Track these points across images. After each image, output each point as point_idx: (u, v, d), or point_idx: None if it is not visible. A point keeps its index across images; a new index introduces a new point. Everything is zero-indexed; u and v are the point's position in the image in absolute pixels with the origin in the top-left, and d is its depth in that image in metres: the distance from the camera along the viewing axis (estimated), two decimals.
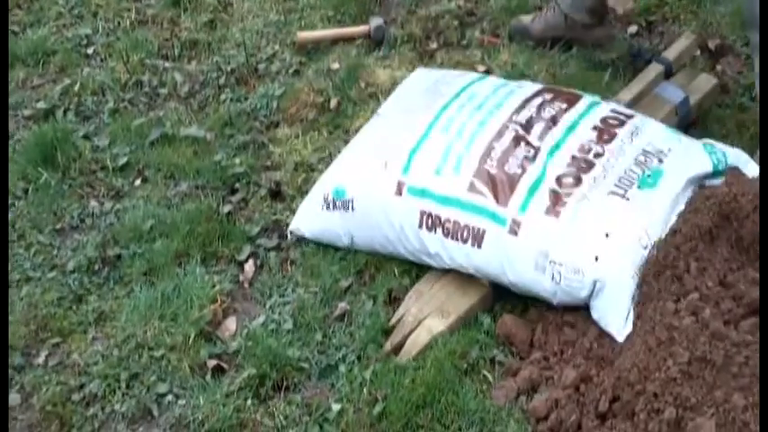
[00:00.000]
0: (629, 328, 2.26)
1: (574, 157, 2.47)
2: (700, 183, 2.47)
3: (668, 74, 3.07)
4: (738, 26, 3.33)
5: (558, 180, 2.43)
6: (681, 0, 3.56)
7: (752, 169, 2.54)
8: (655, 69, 3.07)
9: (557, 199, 2.39)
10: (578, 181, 2.42)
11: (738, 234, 2.27)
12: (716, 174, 2.49)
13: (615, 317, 2.27)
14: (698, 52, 3.28)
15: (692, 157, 2.49)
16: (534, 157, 2.48)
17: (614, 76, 3.22)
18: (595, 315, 2.31)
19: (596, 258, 2.30)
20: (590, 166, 2.43)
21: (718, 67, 3.22)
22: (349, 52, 3.54)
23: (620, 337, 2.25)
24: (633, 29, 3.50)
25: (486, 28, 3.61)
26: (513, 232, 2.38)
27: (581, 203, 2.38)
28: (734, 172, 2.49)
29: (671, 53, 3.14)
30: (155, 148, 3.18)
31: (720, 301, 2.18)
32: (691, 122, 2.88)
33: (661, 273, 2.26)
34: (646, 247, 2.32)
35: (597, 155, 2.46)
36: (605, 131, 2.54)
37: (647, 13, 3.55)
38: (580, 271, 2.30)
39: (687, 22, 3.46)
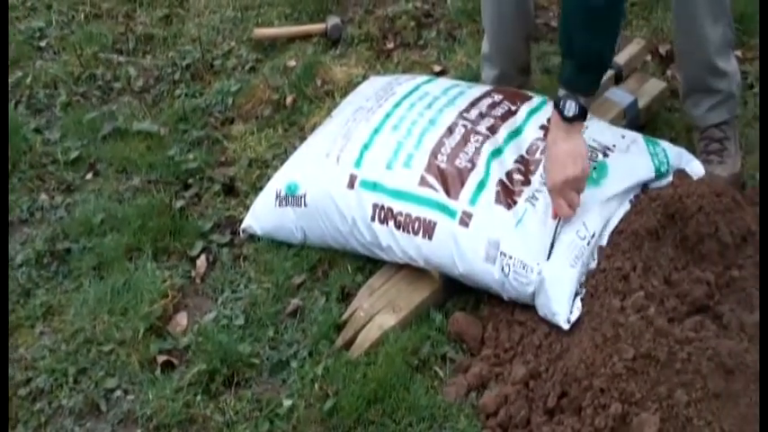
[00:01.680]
0: (574, 315, 2.28)
1: (522, 157, 2.51)
2: (644, 185, 2.50)
3: (619, 78, 3.11)
4: None
5: (509, 175, 2.46)
6: (633, 6, 3.61)
7: (696, 168, 2.59)
8: (605, 74, 3.10)
9: (507, 192, 2.42)
10: (527, 178, 2.45)
11: (683, 234, 2.31)
12: (659, 176, 2.53)
13: (559, 306, 2.29)
14: (649, 57, 3.32)
15: (634, 160, 2.53)
16: (482, 151, 2.51)
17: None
18: (541, 311, 2.34)
19: (548, 256, 2.34)
20: (537, 164, 2.45)
21: (669, 72, 3.26)
22: (305, 50, 3.55)
23: (566, 325, 2.27)
24: None
25: (442, 29, 3.64)
26: (464, 224, 2.40)
27: (529, 201, 2.40)
28: (680, 174, 2.53)
29: (621, 58, 3.17)
30: (107, 143, 3.17)
31: (665, 300, 2.21)
32: (640, 126, 2.92)
33: (607, 272, 2.29)
34: (584, 239, 2.35)
35: (544, 152, 2.50)
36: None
37: None
38: (527, 267, 2.33)
39: (639, 28, 3.50)
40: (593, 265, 2.35)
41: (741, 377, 2.03)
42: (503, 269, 2.35)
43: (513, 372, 2.26)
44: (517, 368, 2.26)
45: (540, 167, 2.45)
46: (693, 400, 2.01)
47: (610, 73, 3.10)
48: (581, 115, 2.28)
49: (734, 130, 2.84)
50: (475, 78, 3.20)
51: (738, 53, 3.26)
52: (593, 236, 2.37)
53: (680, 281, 2.26)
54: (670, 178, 2.52)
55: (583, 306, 2.30)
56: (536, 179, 2.45)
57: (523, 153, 2.52)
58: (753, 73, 3.19)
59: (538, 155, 2.49)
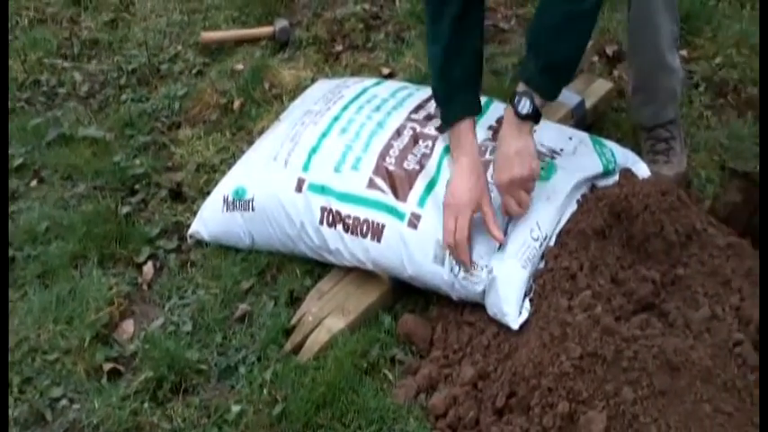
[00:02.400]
0: (523, 316, 2.29)
1: None
2: (591, 183, 2.52)
3: None
4: None
5: None
6: None
7: (641, 169, 2.61)
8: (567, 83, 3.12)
9: None
10: None
11: (629, 233, 2.32)
12: (606, 174, 2.54)
13: (509, 306, 2.29)
14: (596, 58, 3.35)
15: (582, 158, 2.55)
16: (431, 151, 2.51)
17: (515, 81, 3.25)
18: (490, 310, 2.34)
19: (498, 248, 2.35)
20: (486, 164, 2.46)
21: (615, 72, 3.29)
22: (253, 53, 3.54)
23: (515, 326, 2.28)
24: None
25: (390, 31, 3.64)
26: (413, 225, 2.40)
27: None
28: (626, 173, 2.55)
29: None
30: (52, 149, 3.13)
31: (612, 298, 2.22)
32: (587, 126, 2.93)
33: (555, 271, 2.30)
34: (537, 239, 2.36)
35: (494, 150, 2.51)
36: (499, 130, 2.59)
37: None
38: (478, 266, 2.33)
39: None
40: (542, 265, 2.36)
41: (686, 374, 2.04)
42: (452, 269, 2.35)
43: (461, 373, 2.27)
44: (466, 369, 2.26)
45: (491, 167, 2.45)
46: (640, 397, 2.02)
47: None
48: (534, 116, 2.30)
49: (679, 129, 2.87)
50: (424, 80, 3.19)
51: (684, 53, 3.30)
52: (546, 237, 2.39)
53: (626, 279, 2.27)
54: (616, 177, 2.54)
55: (531, 306, 2.30)
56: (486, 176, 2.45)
57: None
58: (699, 72, 3.23)
59: (487, 155, 2.50)
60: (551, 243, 2.39)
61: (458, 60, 2.39)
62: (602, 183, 2.52)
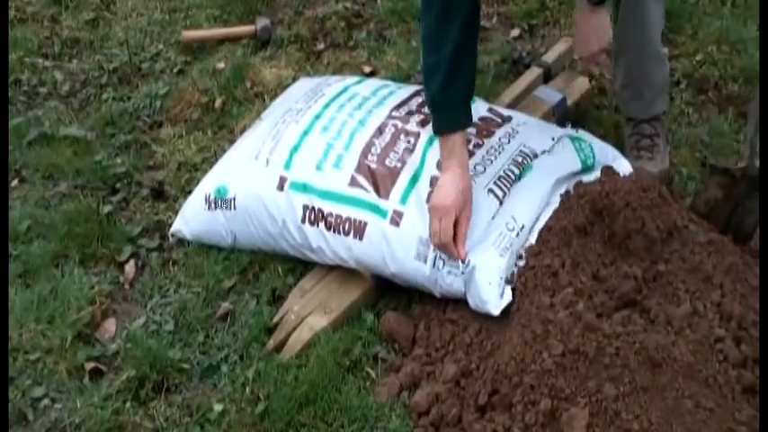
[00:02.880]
0: (505, 301, 2.31)
1: None
2: (572, 180, 2.53)
3: (547, 76, 3.15)
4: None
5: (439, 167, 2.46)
6: (561, 4, 3.65)
7: (622, 165, 2.63)
8: (534, 72, 3.14)
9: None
10: None
11: (611, 230, 2.32)
12: (585, 170, 2.56)
13: (488, 293, 2.31)
14: (577, 56, 3.35)
15: (560, 156, 2.57)
16: (414, 147, 2.52)
17: (496, 79, 3.28)
18: (472, 302, 2.35)
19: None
20: (469, 155, 2.47)
21: (596, 70, 3.29)
22: (235, 52, 3.53)
23: (496, 312, 2.30)
24: (516, 32, 3.57)
25: (372, 30, 3.64)
26: (395, 223, 2.41)
27: None
28: (607, 170, 2.55)
29: (550, 56, 3.22)
30: (33, 148, 3.12)
31: (594, 295, 2.23)
32: (568, 123, 2.94)
33: (537, 269, 2.31)
34: (513, 230, 2.38)
35: (477, 145, 2.52)
36: (484, 128, 2.61)
37: (528, 17, 3.62)
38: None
39: (567, 26, 3.54)
40: (522, 263, 2.37)
41: (668, 370, 2.05)
42: (435, 263, 2.36)
43: (444, 370, 2.27)
44: (448, 367, 2.26)
45: (474, 158, 2.47)
46: (621, 393, 2.02)
47: (538, 71, 3.14)
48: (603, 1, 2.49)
49: (662, 126, 2.89)
50: (405, 78, 3.21)
51: (665, 50, 3.31)
52: (522, 228, 2.40)
53: (608, 276, 2.28)
54: (597, 173, 2.55)
55: (514, 299, 2.31)
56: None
57: None
58: (680, 69, 3.24)
59: (470, 146, 2.51)
60: (532, 239, 2.40)
61: (461, 72, 2.38)
62: (584, 178, 2.54)
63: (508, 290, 2.33)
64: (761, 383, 2.04)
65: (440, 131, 2.40)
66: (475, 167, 2.46)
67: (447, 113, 2.40)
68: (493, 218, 2.42)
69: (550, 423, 2.04)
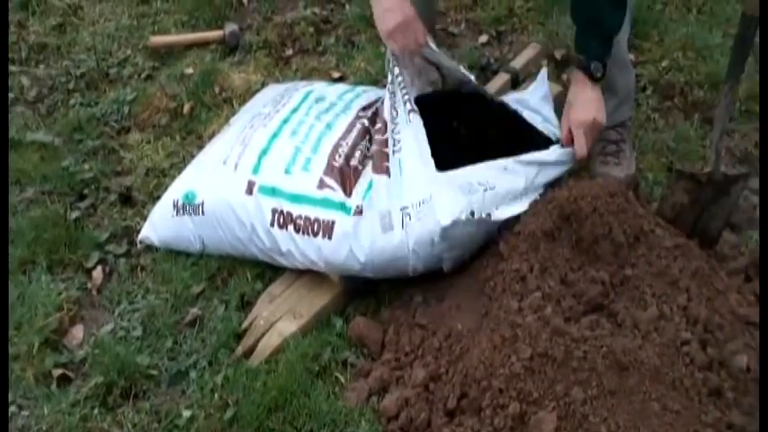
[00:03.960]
0: (460, 216, 2.34)
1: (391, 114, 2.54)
2: (544, 168, 2.58)
3: (515, 82, 3.16)
4: None
5: (383, 143, 2.50)
6: (529, 11, 3.67)
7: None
8: (502, 78, 3.16)
9: (382, 157, 2.46)
10: (383, 122, 2.52)
11: (578, 235, 2.34)
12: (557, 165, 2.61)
13: (442, 214, 2.33)
14: (544, 62, 3.37)
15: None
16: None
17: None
18: (429, 234, 2.35)
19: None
20: (382, 103, 2.54)
21: (564, 76, 3.32)
22: (203, 57, 3.52)
23: (447, 220, 2.32)
24: (484, 39, 3.59)
25: (341, 35, 3.64)
26: (359, 213, 2.43)
27: (396, 151, 2.45)
28: (574, 175, 2.58)
29: (518, 62, 3.24)
30: None
31: (562, 299, 2.24)
32: None
33: (505, 273, 2.32)
34: (481, 185, 2.41)
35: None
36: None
37: (496, 23, 3.64)
38: (424, 201, 2.36)
39: (535, 33, 3.56)
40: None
41: (635, 373, 2.06)
42: (402, 224, 2.37)
43: (413, 375, 2.27)
44: (417, 371, 2.27)
45: (386, 101, 2.53)
46: (589, 397, 2.04)
47: (506, 77, 3.16)
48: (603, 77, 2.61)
49: (628, 132, 2.92)
50: (374, 84, 3.21)
51: (631, 56, 3.34)
52: (493, 188, 2.43)
53: (576, 281, 2.29)
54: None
55: (483, 302, 2.33)
56: (387, 113, 2.51)
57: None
58: (646, 76, 3.27)
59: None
60: (499, 215, 2.42)
61: None
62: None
63: (464, 214, 2.35)
64: (761, 383, 2.06)
65: None
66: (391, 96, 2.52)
67: None
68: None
69: (519, 427, 2.04)
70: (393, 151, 2.45)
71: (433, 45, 2.62)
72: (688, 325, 2.18)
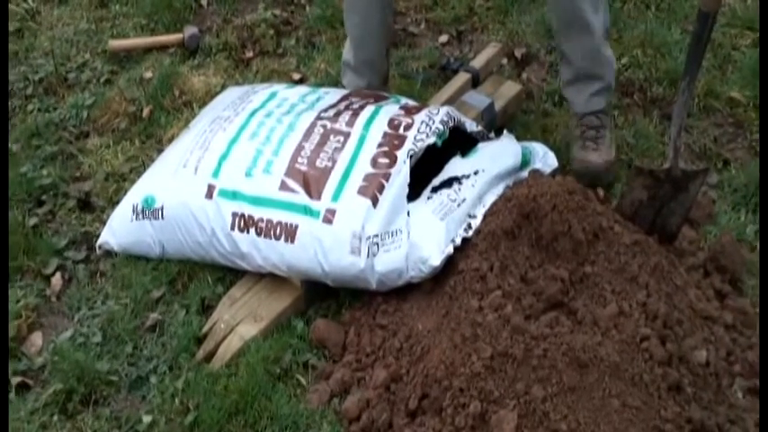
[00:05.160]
0: (447, 252, 2.37)
1: (386, 134, 2.54)
2: (513, 174, 2.61)
3: (476, 81, 3.17)
4: (543, 35, 3.46)
5: (374, 161, 2.48)
6: (489, 10, 3.68)
7: (550, 160, 2.71)
8: (462, 78, 3.16)
9: (371, 183, 2.44)
10: (392, 157, 2.48)
11: (538, 233, 2.34)
12: (524, 163, 2.64)
13: (429, 250, 2.36)
14: (505, 60, 3.38)
15: (504, 144, 2.65)
16: (344, 145, 2.53)
17: (425, 85, 3.30)
18: (414, 269, 2.37)
19: (408, 214, 2.41)
20: (402, 140, 2.50)
21: (524, 75, 3.33)
22: (162, 61, 3.50)
23: (437, 261, 2.36)
24: (444, 38, 3.59)
25: (301, 37, 3.63)
26: (328, 221, 2.40)
27: (391, 182, 2.44)
28: (534, 173, 2.59)
29: (478, 62, 3.24)
30: None
31: (522, 297, 2.25)
32: (497, 128, 2.96)
33: (465, 272, 2.32)
34: (455, 201, 2.45)
35: (407, 126, 2.55)
36: (412, 109, 2.67)
37: (456, 22, 3.64)
38: (396, 232, 2.38)
39: (495, 32, 3.57)
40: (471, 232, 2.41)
41: (594, 370, 2.08)
42: (368, 253, 2.36)
43: (374, 376, 2.27)
44: (378, 372, 2.27)
45: (406, 143, 2.49)
46: (549, 394, 2.05)
47: (466, 77, 3.16)
48: None
49: (609, 119, 2.93)
50: (334, 85, 3.20)
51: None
52: (464, 200, 2.44)
53: (535, 278, 2.30)
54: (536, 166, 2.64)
55: (443, 302, 2.33)
56: (401, 154, 2.48)
57: (386, 129, 2.56)
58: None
59: (401, 130, 2.54)
60: (478, 222, 2.43)
61: None
62: (520, 174, 2.62)
63: (450, 245, 2.37)
64: (761, 383, 2.07)
65: None
66: (408, 151, 2.50)
67: None
68: (434, 189, 2.47)
69: (480, 426, 2.05)
70: (388, 181, 2.45)
71: None
72: (647, 321, 2.19)
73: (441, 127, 2.57)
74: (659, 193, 2.47)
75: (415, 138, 2.53)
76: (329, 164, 2.49)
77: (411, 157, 2.48)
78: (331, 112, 2.66)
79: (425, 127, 2.56)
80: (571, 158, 2.87)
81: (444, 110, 2.64)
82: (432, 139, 2.53)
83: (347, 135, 2.56)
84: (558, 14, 2.78)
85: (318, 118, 2.63)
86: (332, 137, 2.56)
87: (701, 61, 2.37)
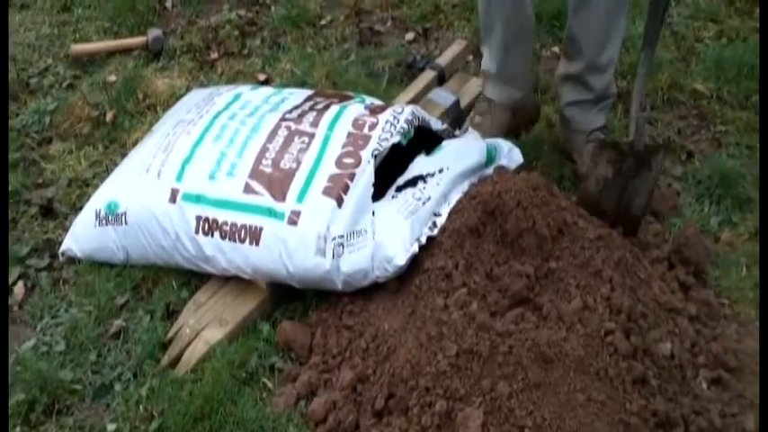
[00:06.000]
0: (412, 251, 2.36)
1: (350, 134, 2.52)
2: (478, 171, 2.60)
3: (441, 79, 3.17)
4: None
5: (339, 161, 2.46)
6: (455, 7, 3.67)
7: (515, 155, 2.70)
8: (428, 75, 3.16)
9: (336, 183, 2.42)
10: (357, 157, 2.46)
11: (503, 229, 2.34)
12: (489, 161, 2.63)
13: (394, 249, 2.35)
14: (470, 58, 3.37)
15: (469, 143, 2.64)
16: (308, 146, 2.51)
17: (391, 83, 3.29)
18: (380, 268, 2.37)
19: (373, 213, 2.41)
20: (366, 140, 2.48)
21: None
22: (126, 64, 3.47)
23: (402, 260, 2.35)
24: (410, 36, 3.58)
25: (266, 37, 3.61)
26: (293, 222, 2.39)
27: (356, 182, 2.43)
28: (499, 170, 2.58)
29: (444, 59, 3.23)
30: None
31: (487, 294, 2.24)
32: (462, 124, 2.96)
33: (431, 271, 2.31)
34: (419, 199, 2.44)
35: (372, 126, 2.54)
36: (377, 109, 2.65)
37: (422, 20, 3.63)
38: (360, 232, 2.37)
39: (460, 29, 3.56)
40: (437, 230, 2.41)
41: (559, 365, 2.07)
42: (333, 253, 2.35)
43: (340, 377, 2.26)
44: (345, 373, 2.25)
45: (370, 142, 2.48)
46: (515, 391, 2.04)
47: (432, 74, 3.16)
48: None
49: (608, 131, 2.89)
50: (300, 85, 3.19)
51: (555, 49, 3.36)
52: (429, 199, 2.44)
53: (501, 275, 2.29)
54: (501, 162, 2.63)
55: (409, 301, 2.32)
56: (366, 154, 2.47)
57: (351, 129, 2.54)
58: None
59: (366, 130, 2.52)
60: (443, 219, 2.42)
61: None
62: (485, 171, 2.61)
63: (415, 244, 2.36)
64: (761, 382, 2.07)
65: None
66: (373, 151, 2.48)
67: None
68: (399, 188, 2.46)
69: (446, 424, 2.04)
70: (354, 181, 2.43)
71: None
72: (611, 315, 2.20)
73: (405, 126, 2.55)
74: (623, 168, 2.47)
75: (379, 137, 2.51)
76: (294, 165, 2.48)
77: (375, 156, 2.47)
78: (295, 114, 2.64)
79: (390, 126, 2.54)
80: (582, 177, 2.71)
81: (409, 109, 2.62)
82: (396, 138, 2.51)
83: (312, 136, 2.54)
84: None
85: (283, 119, 2.61)
86: (296, 138, 2.54)
87: (659, 32, 2.37)
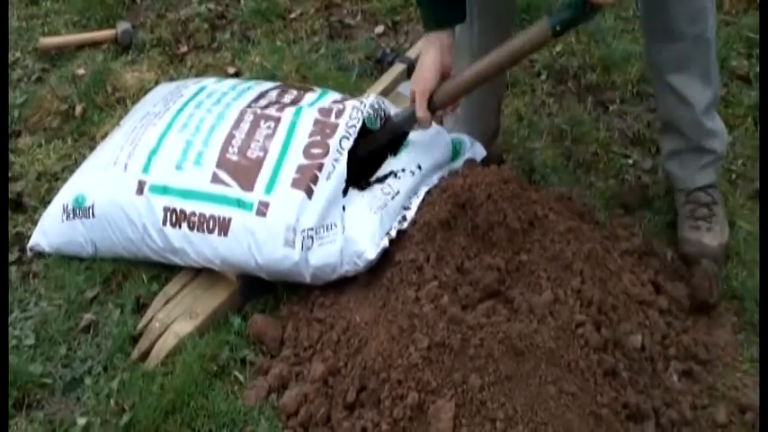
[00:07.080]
0: (382, 246, 2.37)
1: (317, 121, 2.52)
2: (444, 166, 2.60)
3: (411, 72, 3.15)
4: None
5: (306, 151, 2.45)
6: None
7: (478, 150, 2.71)
8: (398, 68, 3.16)
9: (305, 174, 2.41)
10: (325, 147, 2.46)
11: (474, 222, 2.34)
12: (455, 155, 2.64)
13: (364, 243, 2.36)
14: None
15: (434, 137, 2.62)
16: (275, 131, 2.51)
17: (361, 76, 3.29)
18: (350, 263, 2.37)
19: (343, 208, 2.40)
20: (334, 128, 2.48)
21: None
22: (95, 57, 3.46)
23: (372, 254, 2.36)
24: (380, 29, 3.58)
25: (236, 30, 3.60)
26: (261, 213, 2.38)
27: (326, 174, 2.42)
28: (469, 163, 2.59)
29: (414, 52, 3.24)
30: None
31: (458, 287, 2.24)
32: None
33: (402, 264, 2.31)
34: (388, 194, 2.45)
35: (339, 113, 2.54)
36: (343, 99, 2.66)
37: (392, 13, 3.64)
38: (331, 225, 2.37)
39: None
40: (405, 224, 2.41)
41: (531, 358, 2.08)
42: (302, 246, 2.35)
43: (312, 370, 2.25)
44: (316, 366, 2.25)
45: (338, 130, 2.48)
46: (486, 383, 2.04)
47: (401, 67, 3.16)
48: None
49: (719, 194, 2.66)
50: (270, 78, 3.18)
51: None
52: (398, 193, 2.45)
53: (472, 268, 2.29)
54: (463, 161, 2.62)
55: (381, 293, 2.32)
56: (334, 142, 2.47)
57: (318, 116, 2.54)
58: (540, 61, 3.30)
59: (333, 117, 2.52)
60: (412, 213, 2.43)
61: None
62: (452, 165, 2.62)
63: (386, 239, 2.37)
64: (761, 382, 2.09)
65: (430, 27, 2.38)
66: (340, 140, 2.48)
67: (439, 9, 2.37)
68: (368, 182, 2.47)
69: (418, 417, 2.05)
70: (324, 173, 2.42)
71: None
72: (582, 307, 2.20)
73: (371, 111, 2.55)
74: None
75: (347, 124, 2.51)
76: (261, 153, 2.47)
77: (346, 150, 2.46)
78: (262, 102, 2.63)
79: (357, 112, 2.54)
80: (680, 239, 2.59)
81: (373, 97, 2.63)
82: (361, 121, 2.52)
83: (277, 120, 2.54)
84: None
85: (248, 106, 2.61)
86: (262, 122, 2.53)
87: None
